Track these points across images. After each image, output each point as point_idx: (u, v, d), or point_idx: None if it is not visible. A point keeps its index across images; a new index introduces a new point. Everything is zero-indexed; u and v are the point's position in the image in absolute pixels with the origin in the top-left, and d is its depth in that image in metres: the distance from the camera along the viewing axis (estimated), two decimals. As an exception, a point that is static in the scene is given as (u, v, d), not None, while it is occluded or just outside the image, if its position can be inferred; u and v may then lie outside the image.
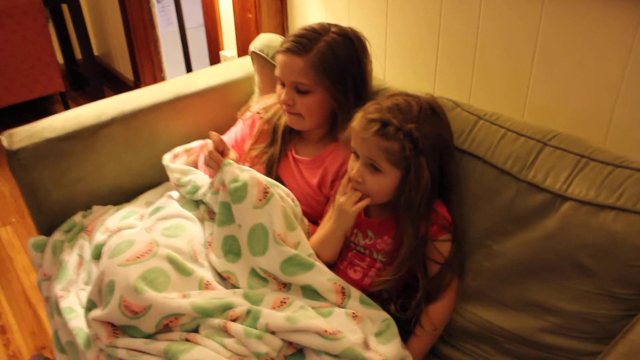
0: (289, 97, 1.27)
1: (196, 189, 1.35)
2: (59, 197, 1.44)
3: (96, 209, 1.49)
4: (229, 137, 1.47)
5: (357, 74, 1.24)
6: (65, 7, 3.28)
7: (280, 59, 1.26)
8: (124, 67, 3.45)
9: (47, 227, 1.46)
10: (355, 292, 1.14)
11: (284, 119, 1.36)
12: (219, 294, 1.13)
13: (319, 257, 1.17)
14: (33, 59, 2.92)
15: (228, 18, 2.06)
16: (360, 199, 1.08)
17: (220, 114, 1.62)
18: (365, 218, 1.16)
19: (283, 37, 1.41)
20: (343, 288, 1.13)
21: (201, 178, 1.37)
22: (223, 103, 1.64)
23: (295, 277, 1.13)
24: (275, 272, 1.14)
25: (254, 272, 1.19)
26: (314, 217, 1.34)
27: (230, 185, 1.18)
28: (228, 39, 2.14)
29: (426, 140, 1.02)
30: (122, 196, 1.53)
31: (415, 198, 1.03)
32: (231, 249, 1.21)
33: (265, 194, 1.17)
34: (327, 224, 1.17)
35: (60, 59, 3.55)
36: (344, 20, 1.61)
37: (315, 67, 1.21)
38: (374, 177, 1.06)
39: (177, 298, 1.08)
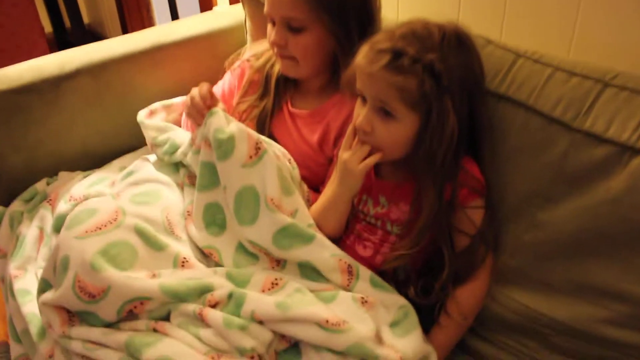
0: (279, 36, 1.05)
1: (175, 148, 1.14)
2: (18, 161, 1.24)
3: (63, 175, 1.29)
4: (215, 92, 1.25)
5: (361, 6, 1.02)
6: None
7: None
8: (115, 35, 3.22)
9: (5, 196, 1.25)
10: (364, 272, 0.93)
11: (277, 67, 1.15)
12: (195, 274, 0.92)
13: (320, 229, 0.96)
14: (14, 24, 2.68)
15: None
16: (370, 155, 0.87)
17: (207, 66, 1.39)
18: (377, 180, 0.95)
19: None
20: (350, 266, 0.92)
21: (181, 135, 1.16)
22: (210, 54, 1.42)
23: (291, 252, 0.92)
24: (266, 245, 0.93)
25: (241, 247, 0.99)
26: (314, 184, 1.13)
27: (214, 136, 0.96)
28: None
29: (451, 74, 0.80)
30: (93, 161, 1.32)
31: (439, 150, 0.81)
32: (214, 219, 1.01)
33: (257, 150, 0.96)
34: (329, 188, 0.96)
35: (48, 27, 3.33)
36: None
37: None
38: (386, 125, 0.84)
39: (143, 278, 0.87)
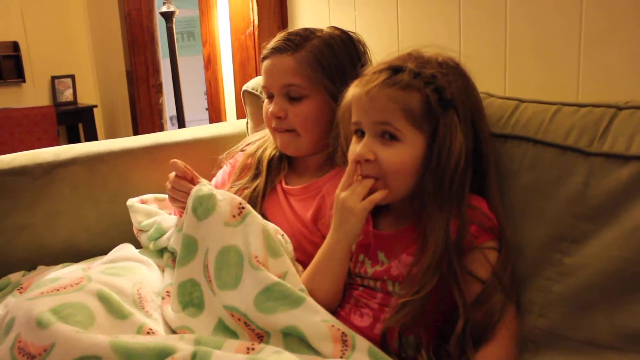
0: (278, 107, 1.02)
1: (160, 233, 1.07)
2: (-5, 246, 1.15)
3: (42, 269, 1.18)
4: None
5: (355, 65, 1.00)
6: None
7: (265, 65, 1.05)
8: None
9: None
10: (362, 343, 0.77)
11: (269, 151, 1.12)
12: (157, 338, 0.77)
13: (312, 295, 0.82)
14: (33, 139, 2.76)
15: (231, 94, 1.92)
16: (371, 193, 0.77)
17: (207, 169, 1.36)
18: (375, 232, 0.83)
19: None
20: (344, 334, 0.76)
21: (168, 220, 1.09)
22: (211, 158, 1.39)
23: (275, 316, 0.78)
24: (247, 309, 0.80)
25: (219, 326, 0.85)
26: (310, 267, 1.01)
27: (195, 195, 0.90)
28: (231, 117, 1.98)
29: (454, 89, 0.74)
30: (77, 259, 1.22)
31: (447, 168, 0.72)
32: (191, 299, 0.90)
33: (241, 210, 0.89)
34: (324, 242, 0.84)
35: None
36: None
37: (310, 63, 0.99)
38: (390, 150, 0.75)
39: (93, 334, 0.73)
